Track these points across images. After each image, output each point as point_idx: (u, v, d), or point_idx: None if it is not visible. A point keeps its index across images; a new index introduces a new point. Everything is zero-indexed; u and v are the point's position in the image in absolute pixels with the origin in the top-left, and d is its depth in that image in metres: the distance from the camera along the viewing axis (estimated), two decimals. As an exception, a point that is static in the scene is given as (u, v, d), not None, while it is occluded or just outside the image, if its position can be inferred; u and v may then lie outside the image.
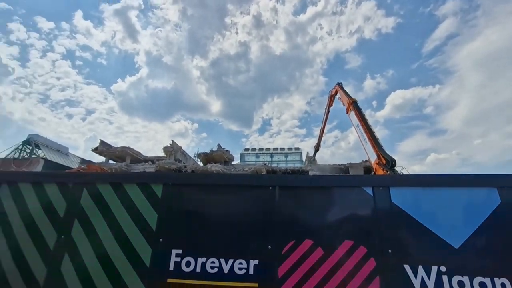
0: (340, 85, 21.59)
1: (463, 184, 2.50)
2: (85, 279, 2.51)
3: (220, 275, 2.35)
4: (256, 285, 2.29)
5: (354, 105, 18.19)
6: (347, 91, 20.45)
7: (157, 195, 2.74)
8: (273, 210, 2.55)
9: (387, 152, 15.04)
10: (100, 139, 27.14)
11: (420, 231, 2.34)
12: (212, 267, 2.38)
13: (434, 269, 2.19)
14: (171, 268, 2.42)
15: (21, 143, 28.07)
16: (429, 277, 2.17)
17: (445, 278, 2.15)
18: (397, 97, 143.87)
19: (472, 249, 2.24)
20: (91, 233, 2.68)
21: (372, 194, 2.51)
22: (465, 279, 2.13)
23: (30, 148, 27.87)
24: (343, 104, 20.17)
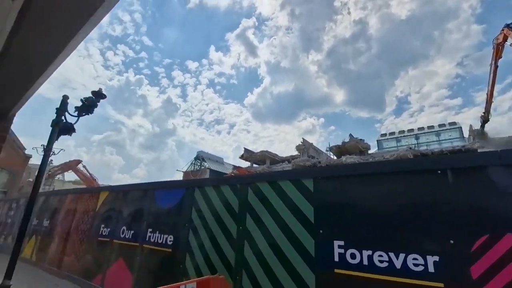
0: (509, 26, 15.82)
1: None
2: (263, 264, 2.98)
3: (391, 269, 2.18)
4: (442, 285, 1.96)
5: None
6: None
7: (309, 189, 2.90)
8: (446, 198, 2.13)
9: None
10: (244, 147, 32.16)
11: None
12: (380, 261, 2.24)
13: None
14: (336, 259, 2.47)
15: (193, 159, 37.66)
16: None
17: None
18: None
19: None
20: (260, 224, 3.17)
21: None
22: None
23: (199, 161, 36.79)
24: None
